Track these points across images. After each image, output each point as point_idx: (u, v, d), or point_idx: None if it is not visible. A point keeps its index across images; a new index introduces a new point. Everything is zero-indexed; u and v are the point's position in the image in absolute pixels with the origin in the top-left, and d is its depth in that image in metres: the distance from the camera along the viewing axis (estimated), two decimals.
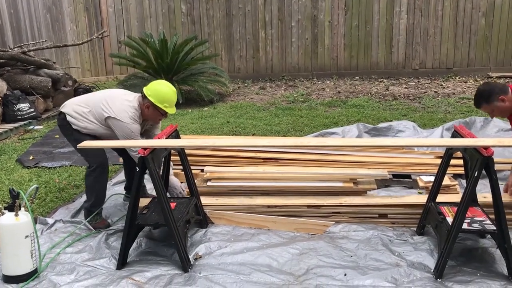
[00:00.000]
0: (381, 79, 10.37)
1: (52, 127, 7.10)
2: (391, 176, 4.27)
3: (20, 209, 2.96)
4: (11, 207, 2.95)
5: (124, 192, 4.26)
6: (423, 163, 4.41)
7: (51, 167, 5.15)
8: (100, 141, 3.51)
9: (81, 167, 5.12)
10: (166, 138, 3.31)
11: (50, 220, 3.77)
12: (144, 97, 3.56)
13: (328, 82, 10.35)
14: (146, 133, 3.84)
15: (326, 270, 2.98)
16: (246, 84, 10.54)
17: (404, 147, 4.49)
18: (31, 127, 7.05)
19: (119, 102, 3.58)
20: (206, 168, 4.10)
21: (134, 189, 3.05)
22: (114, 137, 3.64)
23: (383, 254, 3.14)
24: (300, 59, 10.86)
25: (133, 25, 11.00)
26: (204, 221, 3.65)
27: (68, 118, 3.68)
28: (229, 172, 4.04)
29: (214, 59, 10.31)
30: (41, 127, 7.16)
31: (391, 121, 6.70)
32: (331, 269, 2.99)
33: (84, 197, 4.27)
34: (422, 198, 3.57)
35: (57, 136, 6.51)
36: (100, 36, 9.18)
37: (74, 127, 3.67)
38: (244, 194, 3.87)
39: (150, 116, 3.63)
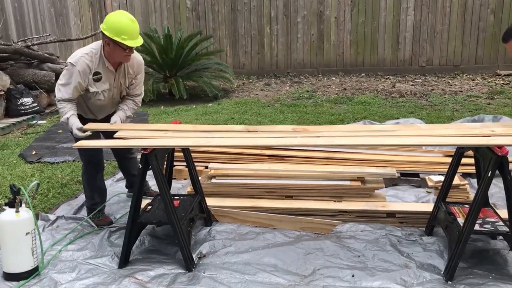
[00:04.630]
0: (387, 76, 10.26)
1: (56, 122, 7.04)
2: (399, 175, 4.19)
3: (20, 206, 2.90)
4: (12, 204, 2.89)
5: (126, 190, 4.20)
6: (432, 161, 4.33)
7: (54, 163, 5.09)
8: (96, 141, 3.27)
9: None
10: None
11: (51, 217, 3.71)
12: (103, 34, 3.17)
13: (333, 78, 10.26)
14: (130, 88, 3.51)
15: (333, 271, 2.91)
16: (250, 80, 10.45)
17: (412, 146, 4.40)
18: (34, 121, 6.99)
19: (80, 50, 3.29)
20: (210, 165, 4.03)
21: (136, 187, 2.98)
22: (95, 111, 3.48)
23: (391, 255, 3.07)
24: (305, 55, 10.76)
25: (138, 19, 10.80)
26: (208, 219, 3.59)
27: None
28: (233, 169, 3.97)
29: (219, 54, 10.24)
30: (44, 121, 7.10)
31: (398, 118, 6.62)
32: (339, 270, 2.92)
33: None
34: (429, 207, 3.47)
35: (60, 131, 6.46)
36: None
37: None
38: (249, 193, 3.80)
39: (113, 55, 3.21)
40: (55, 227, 3.61)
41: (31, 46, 7.95)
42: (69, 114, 3.28)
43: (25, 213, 2.90)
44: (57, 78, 7.70)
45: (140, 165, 2.92)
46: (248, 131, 3.10)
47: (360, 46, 10.58)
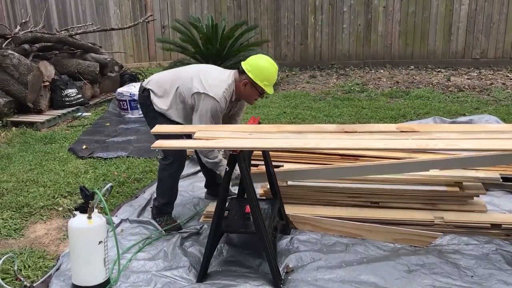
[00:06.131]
0: (439, 69, 9.70)
1: (101, 114, 6.79)
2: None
3: (93, 211, 2.59)
4: (83, 209, 2.59)
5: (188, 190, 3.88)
6: None
7: (107, 158, 4.81)
8: (178, 141, 2.89)
9: (139, 158, 4.77)
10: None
11: (115, 219, 3.42)
12: (241, 72, 3.10)
13: (382, 71, 9.76)
14: (231, 118, 3.41)
15: None
16: (294, 72, 10.04)
17: None
18: (79, 113, 6.74)
19: (212, 77, 3.13)
20: (285, 166, 3.67)
21: (222, 190, 2.64)
22: None
23: None
24: (351, 47, 10.28)
25: (177, 9, 10.61)
26: (287, 226, 3.23)
27: (152, 96, 3.22)
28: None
29: (260, 45, 9.84)
30: (89, 114, 6.85)
31: (464, 115, 6.15)
32: None
33: (147, 193, 3.93)
34: None
35: (108, 124, 6.20)
36: (146, 20, 8.82)
37: (157, 109, 3.20)
38: (329, 197, 3.43)
39: (245, 95, 3.15)
40: (119, 231, 3.31)
41: (74, 36, 7.70)
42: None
43: (97, 220, 2.59)
44: (101, 68, 7.51)
45: (227, 167, 2.58)
46: (345, 132, 2.72)
47: (409, 37, 10.03)
